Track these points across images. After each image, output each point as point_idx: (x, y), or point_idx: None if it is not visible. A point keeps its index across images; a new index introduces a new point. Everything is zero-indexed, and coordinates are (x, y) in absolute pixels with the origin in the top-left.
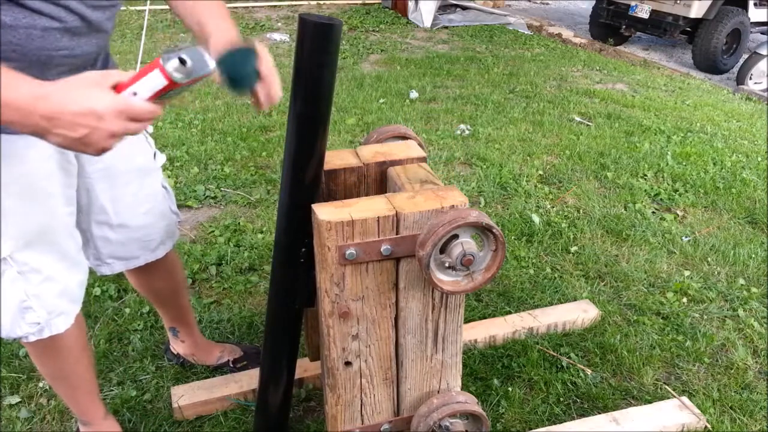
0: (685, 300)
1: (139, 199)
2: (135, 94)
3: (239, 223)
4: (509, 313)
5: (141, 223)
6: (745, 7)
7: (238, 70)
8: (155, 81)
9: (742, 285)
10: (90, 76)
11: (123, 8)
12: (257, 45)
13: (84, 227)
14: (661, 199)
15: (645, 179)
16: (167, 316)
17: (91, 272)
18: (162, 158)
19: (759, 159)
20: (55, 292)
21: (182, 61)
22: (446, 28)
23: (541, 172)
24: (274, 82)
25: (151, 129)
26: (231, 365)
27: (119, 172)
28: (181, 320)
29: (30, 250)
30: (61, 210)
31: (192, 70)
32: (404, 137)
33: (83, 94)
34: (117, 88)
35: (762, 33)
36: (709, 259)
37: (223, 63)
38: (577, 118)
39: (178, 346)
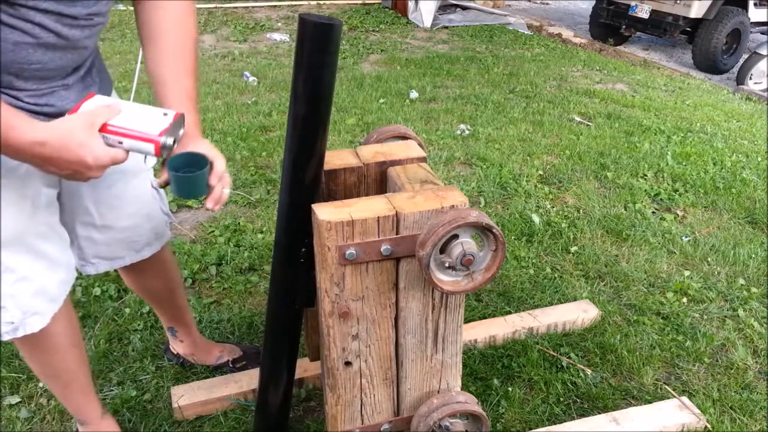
0: (685, 300)
1: (124, 201)
2: (121, 143)
3: (239, 223)
4: (509, 313)
5: (126, 224)
6: (745, 7)
7: (188, 189)
8: (145, 149)
9: (742, 285)
10: (83, 120)
11: (123, 8)
12: (209, 150)
13: (69, 227)
14: (661, 199)
15: (645, 179)
16: (164, 315)
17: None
18: (152, 160)
19: (759, 159)
20: (30, 292)
21: (174, 142)
22: (446, 28)
23: (541, 172)
24: (223, 190)
25: None
26: (230, 365)
27: (104, 175)
28: (179, 320)
29: (4, 251)
30: (40, 211)
31: (173, 149)
32: (404, 137)
33: (77, 144)
34: (103, 127)
35: (762, 33)
36: (709, 259)
37: (174, 171)
38: (577, 118)
39: (177, 346)
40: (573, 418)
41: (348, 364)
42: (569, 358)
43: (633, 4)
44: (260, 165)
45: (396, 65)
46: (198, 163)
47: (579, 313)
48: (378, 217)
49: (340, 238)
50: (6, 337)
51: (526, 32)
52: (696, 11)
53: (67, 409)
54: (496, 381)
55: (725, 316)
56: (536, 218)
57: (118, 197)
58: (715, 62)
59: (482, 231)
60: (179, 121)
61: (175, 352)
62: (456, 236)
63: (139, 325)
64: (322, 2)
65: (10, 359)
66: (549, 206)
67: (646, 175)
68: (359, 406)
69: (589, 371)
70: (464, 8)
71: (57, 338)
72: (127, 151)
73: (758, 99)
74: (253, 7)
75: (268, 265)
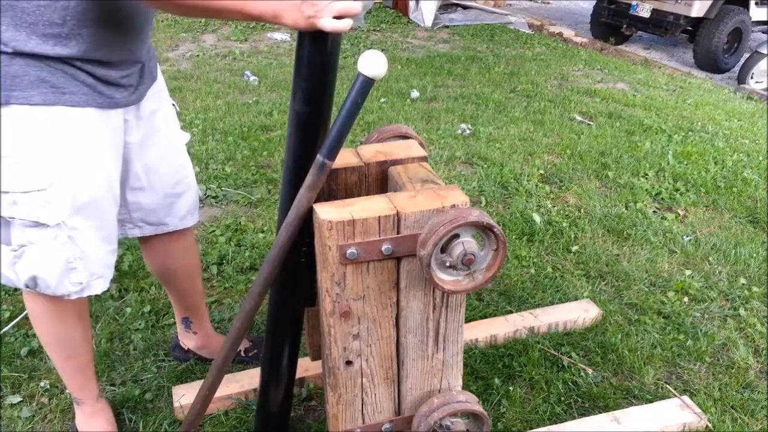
0: (686, 299)
1: (171, 171)
2: None
3: (240, 222)
4: (510, 312)
5: (170, 191)
6: (747, 6)
7: None
8: None
9: (743, 284)
10: None
11: None
12: None
13: (120, 194)
14: (662, 199)
15: (646, 178)
16: (180, 303)
17: None
18: (187, 136)
19: (760, 158)
20: (96, 256)
21: None
22: (447, 27)
23: (542, 172)
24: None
25: (178, 107)
26: (242, 355)
27: (155, 144)
28: (195, 309)
29: (79, 215)
30: (113, 180)
31: None
32: (405, 137)
33: None
34: None
35: (763, 32)
36: (710, 258)
37: None
38: (578, 118)
39: (189, 340)
40: (574, 418)
41: (349, 363)
42: (570, 357)
43: (634, 3)
44: (261, 164)
45: (397, 64)
46: None
47: (580, 313)
48: (379, 217)
49: (341, 238)
50: (74, 296)
51: (527, 31)
52: (697, 10)
53: (66, 386)
54: (497, 380)
55: (726, 316)
56: (537, 217)
57: (167, 166)
58: (716, 61)
59: (483, 230)
60: None
61: (186, 348)
62: (457, 235)
63: (140, 324)
64: None
65: (11, 359)
66: (550, 205)
67: (647, 175)
68: (360, 406)
69: (590, 371)
70: (465, 7)
71: (69, 307)
72: None
73: (759, 98)
74: None
75: None
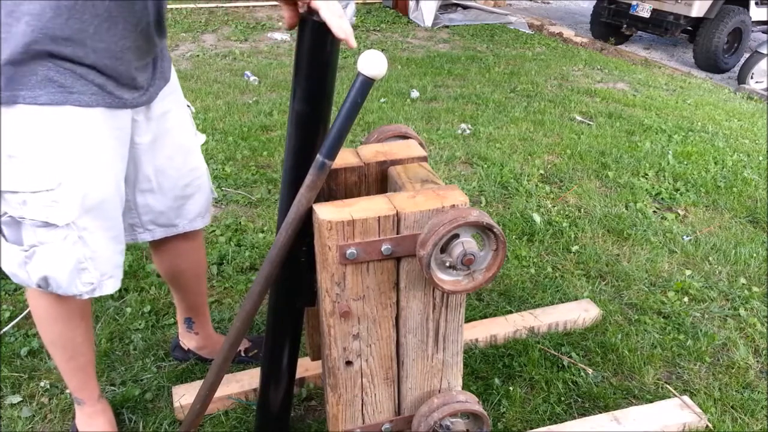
0: (686, 299)
1: (182, 172)
2: None
3: (240, 222)
4: (510, 312)
5: (181, 193)
6: (747, 6)
7: None
8: None
9: (743, 284)
10: None
11: None
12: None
13: (128, 196)
14: (662, 199)
15: (646, 178)
16: (184, 304)
17: None
18: (202, 138)
19: (760, 158)
20: (106, 256)
21: None
22: (447, 27)
23: (542, 172)
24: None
25: (193, 109)
26: (242, 355)
27: (165, 145)
28: (198, 309)
29: (88, 215)
30: (120, 180)
31: None
32: (405, 136)
33: None
34: None
35: (763, 32)
36: (710, 258)
37: None
38: (578, 118)
39: (190, 340)
40: (574, 418)
41: (349, 363)
42: (570, 357)
43: (634, 3)
44: (261, 164)
45: (397, 64)
46: None
47: (580, 313)
48: (378, 217)
49: (340, 238)
50: (86, 296)
51: (527, 31)
52: (697, 10)
53: (67, 386)
54: (497, 380)
55: (726, 316)
56: (537, 217)
57: (177, 168)
58: (716, 61)
59: (483, 230)
60: None
61: (186, 348)
62: (457, 236)
63: (140, 324)
64: None
65: (11, 359)
66: (550, 205)
67: (647, 175)
68: (360, 406)
69: (590, 370)
70: (465, 7)
71: (73, 307)
72: None
73: (759, 98)
74: (253, 6)
75: None
